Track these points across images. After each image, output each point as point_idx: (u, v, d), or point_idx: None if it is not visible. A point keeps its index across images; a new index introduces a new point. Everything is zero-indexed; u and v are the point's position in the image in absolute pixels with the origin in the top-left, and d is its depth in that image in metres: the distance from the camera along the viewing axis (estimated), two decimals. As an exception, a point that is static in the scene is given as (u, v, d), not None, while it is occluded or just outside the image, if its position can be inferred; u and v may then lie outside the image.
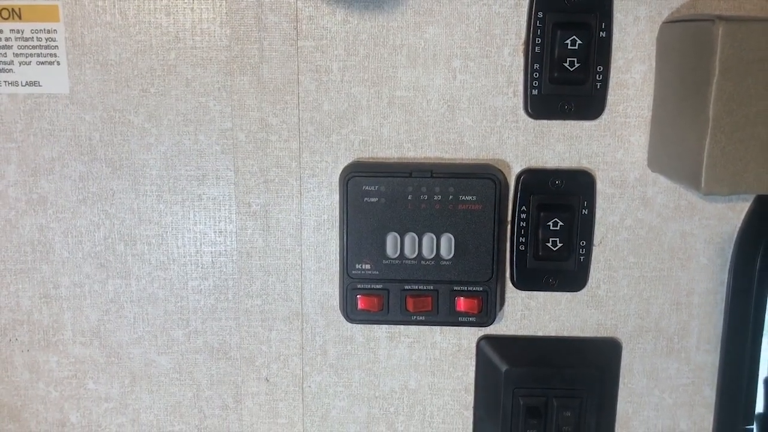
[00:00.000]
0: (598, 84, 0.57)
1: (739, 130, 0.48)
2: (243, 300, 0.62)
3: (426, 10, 0.57)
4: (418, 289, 0.59)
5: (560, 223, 0.59)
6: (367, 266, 0.59)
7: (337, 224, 0.61)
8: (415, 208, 0.58)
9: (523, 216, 0.59)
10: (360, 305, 0.59)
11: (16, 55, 0.59)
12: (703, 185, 0.49)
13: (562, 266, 0.60)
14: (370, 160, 0.60)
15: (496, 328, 0.62)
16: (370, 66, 0.58)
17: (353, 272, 0.59)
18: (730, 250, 0.60)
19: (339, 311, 0.62)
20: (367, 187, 0.58)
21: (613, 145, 0.59)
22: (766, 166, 0.48)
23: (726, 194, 0.49)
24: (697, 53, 0.49)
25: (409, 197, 0.58)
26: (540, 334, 0.62)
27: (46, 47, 0.59)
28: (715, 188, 0.49)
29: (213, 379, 0.64)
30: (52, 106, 0.59)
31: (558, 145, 0.59)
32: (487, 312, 0.59)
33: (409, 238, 0.58)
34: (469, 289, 0.59)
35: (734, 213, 0.60)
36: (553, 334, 0.62)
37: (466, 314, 0.59)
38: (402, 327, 0.63)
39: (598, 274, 0.61)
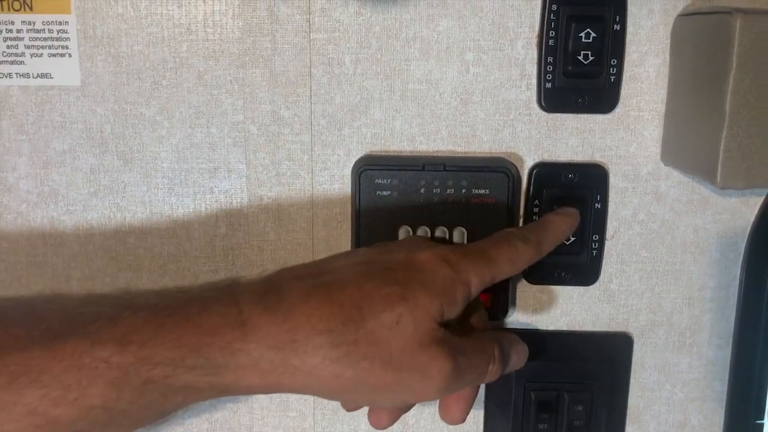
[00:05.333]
0: (612, 77, 0.57)
1: (756, 124, 0.47)
2: None
3: (439, 3, 0.57)
4: (431, 283, 0.59)
5: (573, 217, 0.59)
6: (379, 260, 0.59)
7: (349, 217, 0.60)
8: (428, 202, 0.58)
9: (536, 209, 0.59)
10: (372, 299, 0.59)
11: (28, 47, 0.59)
12: (719, 179, 0.48)
13: (574, 260, 0.60)
14: (383, 154, 0.59)
15: (507, 322, 0.62)
16: (382, 59, 0.58)
17: (365, 266, 0.59)
18: (743, 245, 0.60)
19: (350, 305, 0.62)
20: (379, 181, 0.58)
21: (627, 139, 0.59)
22: (783, 160, 0.48)
23: (742, 188, 0.49)
24: (713, 46, 0.49)
25: (422, 190, 0.58)
26: (551, 328, 0.62)
27: (58, 39, 0.58)
28: (731, 182, 0.49)
29: None
30: (63, 99, 0.59)
31: (571, 138, 0.59)
32: (499, 305, 0.59)
33: (422, 231, 0.58)
34: (481, 282, 0.59)
35: (747, 207, 0.59)
36: (564, 328, 0.62)
37: (478, 308, 0.59)
38: (413, 321, 0.62)
39: (610, 268, 0.61)
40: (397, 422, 0.64)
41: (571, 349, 0.62)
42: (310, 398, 0.64)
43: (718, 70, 0.48)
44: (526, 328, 0.62)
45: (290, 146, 0.59)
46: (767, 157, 0.48)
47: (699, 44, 0.52)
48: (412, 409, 0.64)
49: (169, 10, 0.58)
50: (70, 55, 0.59)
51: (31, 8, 0.58)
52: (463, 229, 0.58)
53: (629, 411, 0.64)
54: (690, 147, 0.53)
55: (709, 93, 0.50)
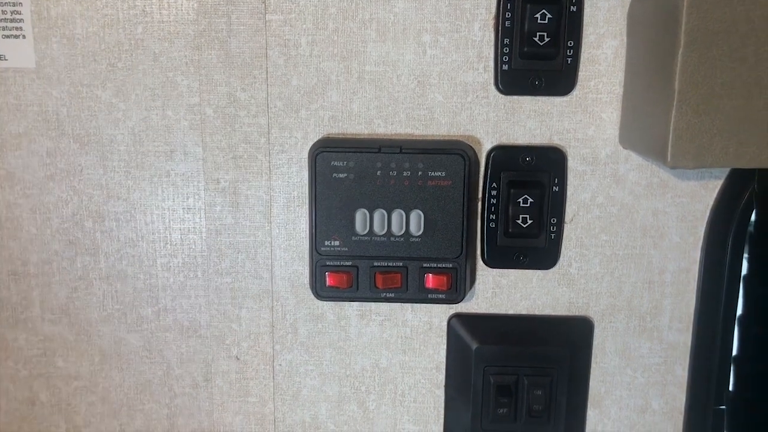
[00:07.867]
0: (569, 59, 0.57)
1: (704, 103, 0.47)
2: (212, 278, 0.62)
3: None
4: (387, 266, 0.59)
5: (530, 200, 0.59)
6: (336, 243, 0.58)
7: (308, 201, 0.60)
8: (384, 184, 0.57)
9: (494, 193, 0.59)
10: (329, 282, 0.59)
11: (-18, 28, 0.58)
12: (669, 159, 0.48)
13: (532, 243, 0.60)
14: (340, 136, 0.59)
15: (467, 306, 0.62)
16: (339, 40, 0.57)
17: (322, 249, 0.58)
18: (703, 228, 0.60)
19: (309, 289, 0.61)
20: (335, 163, 0.57)
21: (585, 122, 0.58)
22: (732, 139, 0.47)
23: (692, 168, 0.49)
24: (665, 26, 0.49)
25: (378, 173, 0.57)
26: (511, 312, 0.62)
27: (11, 20, 0.58)
28: (681, 162, 0.48)
29: (183, 358, 0.64)
30: (18, 81, 0.59)
31: (529, 121, 0.58)
32: (456, 289, 0.59)
33: (379, 214, 0.58)
34: (438, 265, 0.58)
35: (706, 191, 0.59)
36: (524, 312, 0.62)
37: (435, 291, 0.59)
38: (373, 305, 0.62)
39: (570, 251, 0.61)
40: (358, 407, 0.64)
41: (531, 333, 0.62)
42: (270, 384, 0.64)
43: (668, 50, 0.48)
44: (485, 312, 0.62)
45: (247, 129, 0.59)
46: (716, 137, 0.48)
47: (653, 25, 0.51)
48: (372, 394, 0.64)
49: None
50: (24, 37, 0.58)
51: (-15, -11, 0.58)
52: (420, 212, 0.58)
53: (590, 395, 0.63)
54: (644, 128, 0.53)
55: (661, 73, 0.49)
